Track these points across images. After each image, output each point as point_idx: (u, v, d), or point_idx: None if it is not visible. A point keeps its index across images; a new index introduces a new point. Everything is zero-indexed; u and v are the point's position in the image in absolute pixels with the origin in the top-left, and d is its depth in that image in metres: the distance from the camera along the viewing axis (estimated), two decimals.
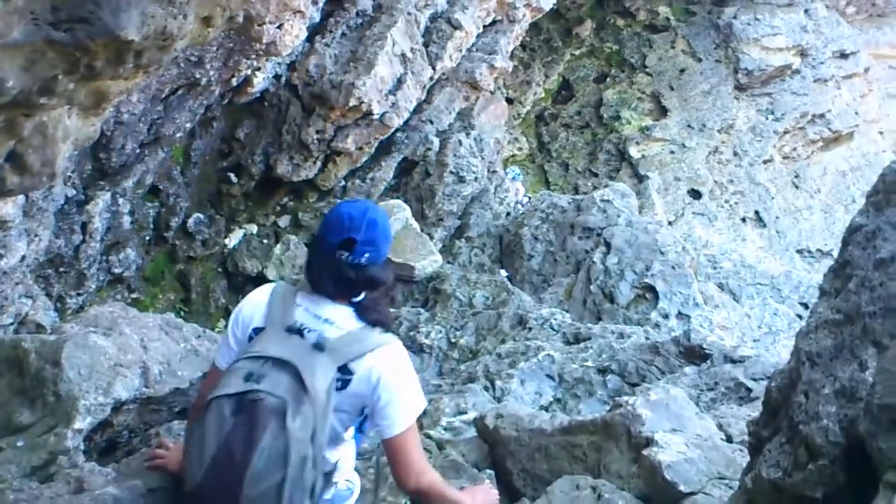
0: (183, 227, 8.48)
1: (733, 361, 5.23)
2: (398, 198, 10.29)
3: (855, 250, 2.18)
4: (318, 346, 2.38)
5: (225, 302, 8.51)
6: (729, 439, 3.31)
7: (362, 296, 2.52)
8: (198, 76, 7.00)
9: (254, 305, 2.57)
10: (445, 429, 4.68)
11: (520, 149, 14.71)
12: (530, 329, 7.27)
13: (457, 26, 10.03)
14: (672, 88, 14.85)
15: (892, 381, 1.71)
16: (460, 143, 10.73)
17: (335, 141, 9.17)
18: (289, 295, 2.54)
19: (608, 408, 4.10)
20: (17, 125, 2.99)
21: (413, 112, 9.87)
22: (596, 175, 14.25)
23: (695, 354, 5.64)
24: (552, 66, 15.42)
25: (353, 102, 8.71)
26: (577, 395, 5.67)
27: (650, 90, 14.95)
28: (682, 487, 2.74)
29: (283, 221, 9.48)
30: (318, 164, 9.37)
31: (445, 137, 10.71)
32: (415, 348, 7.43)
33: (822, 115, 15.06)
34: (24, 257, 5.13)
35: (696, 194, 13.79)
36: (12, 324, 5.21)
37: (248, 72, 7.86)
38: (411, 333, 7.63)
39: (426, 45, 9.83)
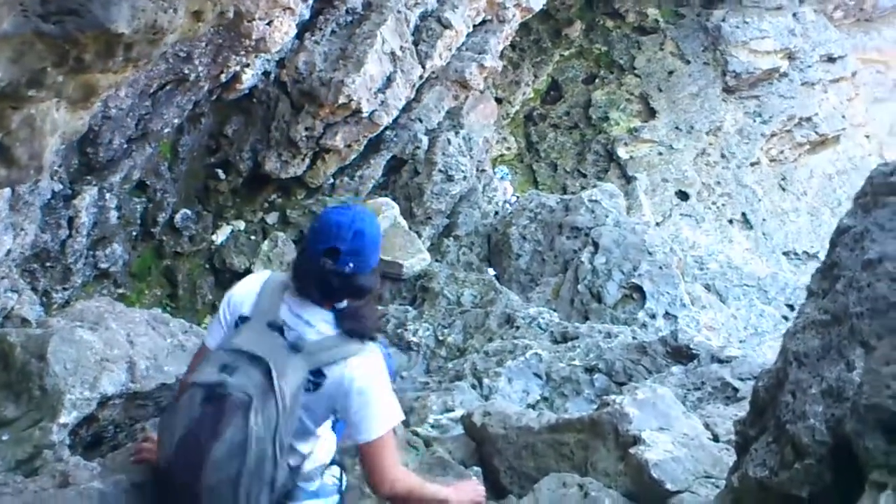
0: (170, 222, 8.44)
1: (720, 361, 5.25)
2: (387, 196, 10.29)
3: (843, 251, 2.19)
4: (295, 347, 2.42)
5: (212, 298, 8.47)
6: (715, 438, 3.32)
7: (345, 303, 2.54)
8: (186, 72, 6.97)
9: (245, 292, 2.62)
10: (433, 426, 4.68)
11: (508, 148, 14.73)
12: (518, 328, 7.28)
13: (447, 25, 10.03)
14: (660, 90, 14.90)
15: (879, 382, 1.72)
16: (449, 141, 10.73)
17: (324, 138, 9.16)
18: (277, 290, 2.57)
19: (595, 406, 4.11)
20: (5, 118, 2.96)
21: (402, 110, 9.87)
22: (584, 175, 14.28)
23: (682, 354, 5.67)
24: (541, 67, 15.44)
25: (342, 100, 8.70)
26: (564, 393, 5.69)
27: (639, 92, 14.99)
28: (668, 486, 2.75)
29: (271, 218, 9.45)
30: (307, 161, 9.35)
31: (434, 136, 10.71)
32: (402, 346, 7.44)
33: (809, 119, 15.14)
34: (9, 251, 5.10)
35: (683, 196, 13.84)
36: None
37: (237, 68, 7.83)
38: (399, 331, 7.63)
39: (416, 43, 9.83)
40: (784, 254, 14.00)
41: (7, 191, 4.60)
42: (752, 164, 14.55)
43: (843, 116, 15.70)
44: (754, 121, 14.80)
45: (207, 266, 8.87)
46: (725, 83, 14.87)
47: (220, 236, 9.04)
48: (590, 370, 5.83)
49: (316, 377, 2.43)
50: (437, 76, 10.61)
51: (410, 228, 9.82)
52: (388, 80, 9.25)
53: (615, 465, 3.08)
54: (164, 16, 3.12)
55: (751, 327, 9.54)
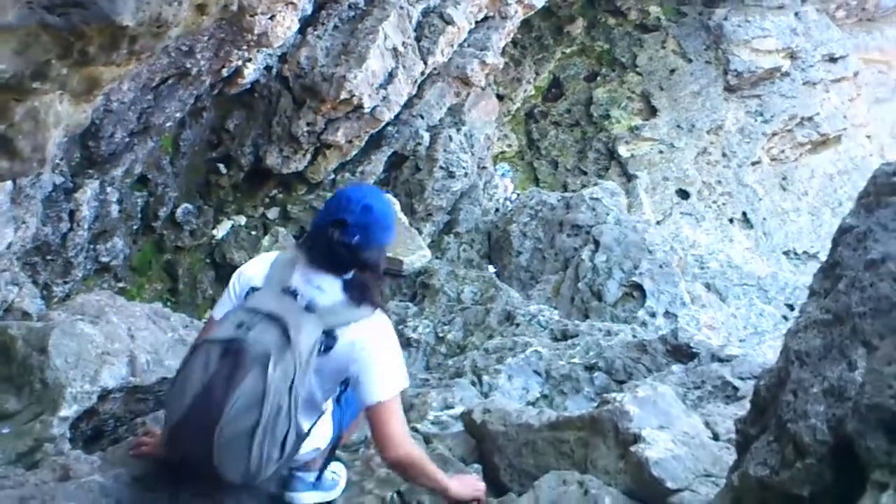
0: (171, 217, 8.44)
1: (720, 360, 5.24)
2: (387, 192, 10.28)
3: (845, 251, 2.19)
4: (309, 308, 2.51)
5: (212, 293, 8.47)
6: (716, 437, 3.32)
7: (351, 273, 2.64)
8: (189, 66, 6.97)
9: (255, 269, 2.73)
10: (432, 423, 4.69)
11: (509, 145, 14.72)
12: (518, 325, 7.28)
13: (449, 21, 10.03)
14: (662, 88, 14.89)
15: (881, 381, 1.72)
16: (450, 138, 10.72)
17: (325, 134, 9.15)
18: (289, 262, 2.68)
19: (594, 404, 4.11)
20: (9, 110, 2.97)
21: (404, 106, 9.86)
22: (585, 173, 14.28)
23: (682, 353, 5.66)
24: (543, 64, 15.42)
25: (343, 95, 8.69)
26: (563, 391, 5.69)
27: (640, 90, 14.98)
28: (668, 484, 2.75)
29: (272, 213, 9.45)
30: (308, 156, 9.35)
31: (436, 132, 10.71)
32: (402, 342, 7.44)
33: (810, 118, 15.12)
34: (10, 244, 5.10)
35: (684, 194, 13.84)
36: None
37: (239, 63, 7.83)
38: (399, 327, 7.62)
39: (418, 39, 9.82)
40: (784, 253, 14.00)
41: (8, 183, 4.60)
42: (753, 164, 14.54)
43: (845, 116, 15.68)
44: (755, 120, 14.79)
45: (208, 261, 8.87)
46: (727, 82, 14.86)
47: (220, 231, 9.04)
48: (590, 368, 5.83)
49: (328, 339, 2.51)
50: (438, 72, 10.60)
51: (411, 225, 9.82)
52: (390, 76, 9.25)
53: (615, 462, 3.08)
54: (168, 9, 3.13)
55: (750, 326, 9.55)
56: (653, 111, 14.73)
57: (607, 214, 9.56)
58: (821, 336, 2.11)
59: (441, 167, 10.47)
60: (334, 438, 2.92)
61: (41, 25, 2.68)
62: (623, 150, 14.15)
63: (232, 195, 9.34)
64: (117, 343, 3.73)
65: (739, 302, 10.07)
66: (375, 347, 2.56)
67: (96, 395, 3.50)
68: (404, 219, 9.67)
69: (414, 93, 10.00)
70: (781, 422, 2.09)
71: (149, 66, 6.32)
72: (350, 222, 2.53)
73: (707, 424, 3.47)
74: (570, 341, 6.55)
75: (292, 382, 2.36)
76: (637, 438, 3.02)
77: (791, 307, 9.94)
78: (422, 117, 10.52)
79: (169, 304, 8.00)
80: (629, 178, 13.79)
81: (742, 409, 3.26)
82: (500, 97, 13.92)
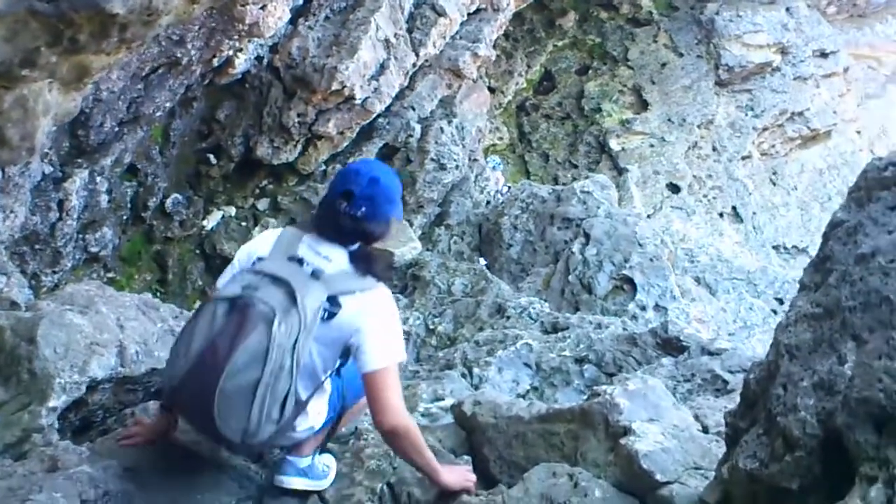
0: (161, 207, 8.40)
1: (710, 354, 5.25)
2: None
3: (836, 245, 2.19)
4: (315, 275, 2.57)
5: (202, 283, 8.45)
6: (705, 430, 3.33)
7: (357, 245, 2.70)
8: (179, 55, 6.93)
9: (262, 241, 2.80)
10: (423, 415, 4.68)
11: (500, 138, 14.73)
12: (508, 318, 7.28)
13: (441, 13, 10.01)
14: (653, 82, 14.92)
15: (870, 375, 1.73)
16: (442, 130, 10.71)
17: (316, 125, 9.12)
18: (296, 234, 2.75)
19: (585, 397, 4.11)
20: None
21: (395, 98, 9.85)
22: (576, 166, 14.31)
23: (672, 346, 5.67)
24: (535, 57, 15.42)
25: (335, 86, 8.66)
26: (553, 384, 5.69)
27: (631, 83, 15.01)
28: (658, 476, 2.75)
29: (262, 204, 9.42)
30: (299, 147, 9.32)
31: (427, 124, 10.69)
32: None
33: (800, 113, 15.19)
34: None
35: (674, 188, 13.88)
36: None
37: (230, 52, 7.79)
38: None
39: (410, 31, 9.80)
40: (774, 247, 14.07)
41: None
42: (744, 158, 14.60)
43: (835, 112, 15.76)
44: (746, 114, 14.84)
45: (198, 251, 8.84)
46: (718, 76, 14.90)
47: (210, 222, 9.00)
48: (580, 361, 5.83)
49: (332, 306, 2.55)
50: (430, 64, 10.58)
51: (402, 217, 9.81)
52: (382, 68, 9.22)
53: (605, 455, 3.08)
54: None
55: (740, 320, 9.57)
56: (644, 105, 14.76)
57: (598, 208, 9.56)
58: (811, 330, 2.12)
59: (432, 159, 10.46)
60: (328, 421, 2.92)
61: (30, 12, 2.66)
62: (614, 144, 14.18)
63: (222, 186, 9.30)
64: (106, 333, 3.71)
65: (729, 296, 10.09)
66: (377, 316, 2.60)
67: (85, 386, 3.48)
68: None
69: (405, 84, 9.98)
70: (771, 415, 2.09)
71: (139, 55, 6.28)
72: (357, 194, 2.60)
73: (697, 417, 3.48)
74: (560, 334, 6.55)
75: (296, 342, 2.41)
76: (627, 431, 3.02)
77: (780, 301, 9.97)
78: (413, 109, 10.50)
79: (158, 294, 7.96)
80: (620, 171, 13.82)
81: (732, 402, 3.27)
82: (491, 90, 13.92)
